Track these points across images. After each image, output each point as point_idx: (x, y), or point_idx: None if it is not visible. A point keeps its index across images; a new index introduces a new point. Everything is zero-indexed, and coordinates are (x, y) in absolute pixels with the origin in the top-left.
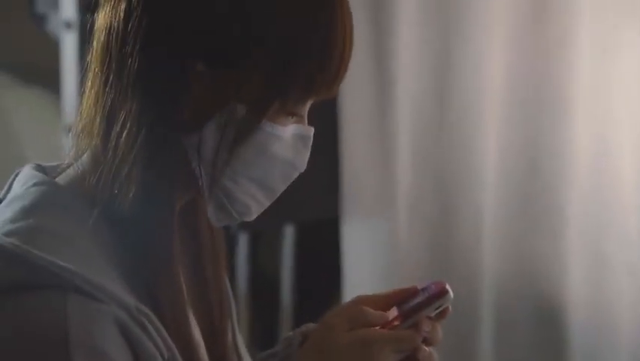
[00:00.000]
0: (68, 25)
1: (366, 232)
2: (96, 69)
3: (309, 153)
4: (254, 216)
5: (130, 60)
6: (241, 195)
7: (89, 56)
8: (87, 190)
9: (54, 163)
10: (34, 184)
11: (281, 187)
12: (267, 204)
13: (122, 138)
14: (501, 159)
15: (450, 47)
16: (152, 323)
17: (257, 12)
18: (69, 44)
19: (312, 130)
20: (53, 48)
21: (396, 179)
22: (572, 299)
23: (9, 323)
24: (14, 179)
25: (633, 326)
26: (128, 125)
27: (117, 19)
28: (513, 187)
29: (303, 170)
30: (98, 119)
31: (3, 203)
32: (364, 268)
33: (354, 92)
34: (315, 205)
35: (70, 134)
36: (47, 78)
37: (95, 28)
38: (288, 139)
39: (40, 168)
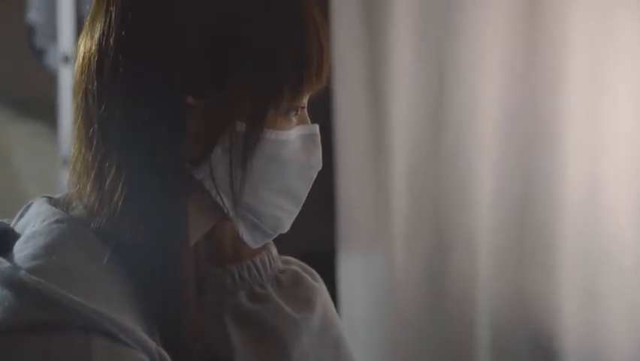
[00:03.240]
0: (66, 59)
1: (362, 264)
2: (79, 122)
3: (320, 150)
4: (287, 227)
5: (110, 113)
6: (268, 208)
7: (73, 108)
8: (99, 230)
9: (61, 195)
10: (56, 221)
11: (304, 190)
12: (295, 211)
13: (116, 195)
14: (496, 192)
15: (444, 79)
16: None
17: (229, 35)
18: (67, 78)
19: (316, 127)
20: (52, 82)
21: (392, 212)
22: (567, 334)
23: None
24: (25, 211)
25: (628, 359)
26: (121, 183)
27: (89, 70)
28: (507, 221)
29: (320, 167)
30: (86, 176)
31: (21, 238)
32: (360, 301)
33: (348, 124)
34: (309, 238)
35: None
36: (45, 112)
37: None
38: (295, 141)
39: (53, 202)
